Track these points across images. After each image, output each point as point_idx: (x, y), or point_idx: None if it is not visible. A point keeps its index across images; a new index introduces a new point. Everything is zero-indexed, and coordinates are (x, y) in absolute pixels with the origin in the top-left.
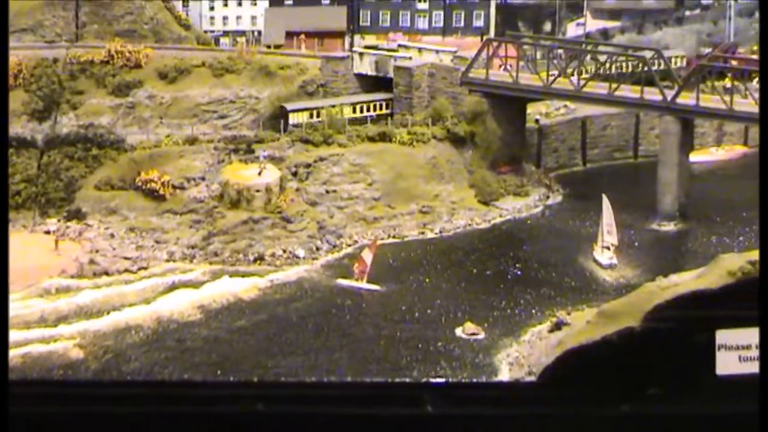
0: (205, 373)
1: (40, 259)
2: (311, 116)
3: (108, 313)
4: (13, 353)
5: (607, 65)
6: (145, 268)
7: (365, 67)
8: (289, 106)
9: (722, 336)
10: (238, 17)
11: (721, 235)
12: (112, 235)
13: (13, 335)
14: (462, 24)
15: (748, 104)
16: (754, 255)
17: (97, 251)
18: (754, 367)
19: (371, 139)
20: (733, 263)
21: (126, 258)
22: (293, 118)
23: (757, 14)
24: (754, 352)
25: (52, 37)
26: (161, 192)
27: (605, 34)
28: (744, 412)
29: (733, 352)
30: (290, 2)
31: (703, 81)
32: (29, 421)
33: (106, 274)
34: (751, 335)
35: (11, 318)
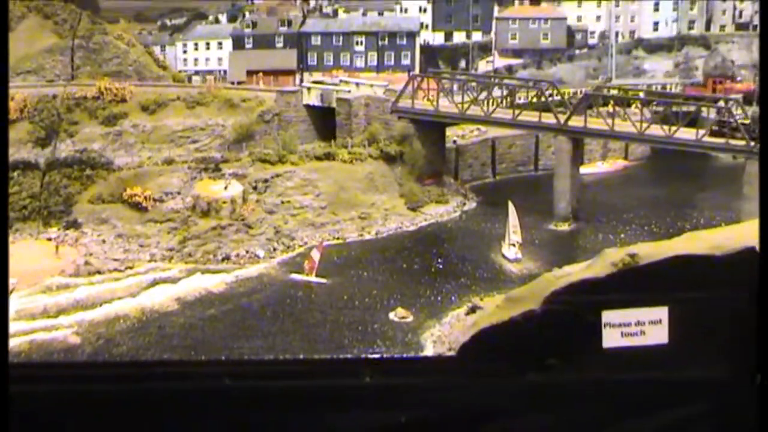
0: (181, 354)
1: (43, 261)
2: None
3: (101, 305)
4: (21, 340)
5: (511, 95)
6: (131, 268)
7: (312, 99)
8: None
9: (607, 315)
10: (207, 59)
11: (606, 233)
12: (104, 241)
13: (21, 325)
14: (392, 62)
15: (627, 126)
16: (633, 248)
17: (91, 254)
18: (633, 341)
19: (318, 158)
20: (615, 256)
21: (115, 259)
22: None
23: (635, 52)
24: (634, 329)
25: (51, 77)
26: (144, 204)
27: (510, 69)
28: (624, 378)
29: (617, 329)
30: (250, 46)
31: (590, 107)
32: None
33: (99, 273)
34: (630, 314)
35: (20, 311)
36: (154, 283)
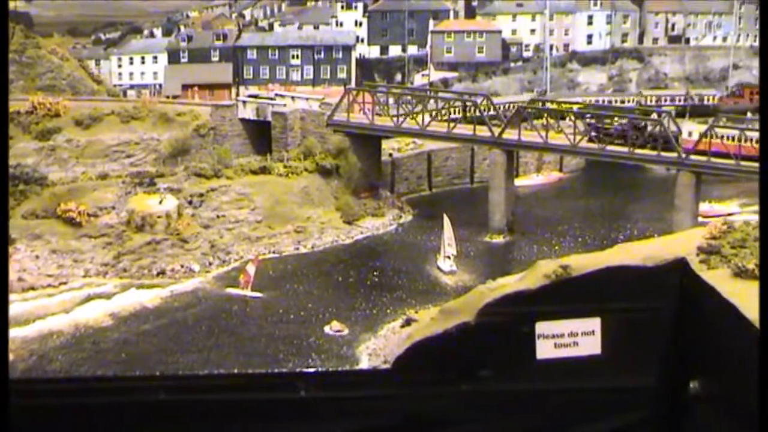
0: (116, 370)
1: None
2: None
3: (34, 321)
4: None
5: (447, 108)
6: (65, 283)
7: (248, 113)
8: None
9: (540, 327)
10: (142, 73)
11: (540, 245)
12: (37, 257)
13: None
14: (328, 76)
15: (560, 138)
16: (566, 260)
17: (24, 270)
18: (566, 352)
19: (254, 172)
20: (548, 268)
21: (49, 275)
22: None
23: (569, 65)
24: (567, 340)
25: None
26: (78, 219)
27: (445, 82)
28: (559, 388)
29: (550, 340)
30: (186, 60)
31: (524, 120)
32: None
33: (33, 289)
34: (563, 326)
35: None
36: (89, 298)
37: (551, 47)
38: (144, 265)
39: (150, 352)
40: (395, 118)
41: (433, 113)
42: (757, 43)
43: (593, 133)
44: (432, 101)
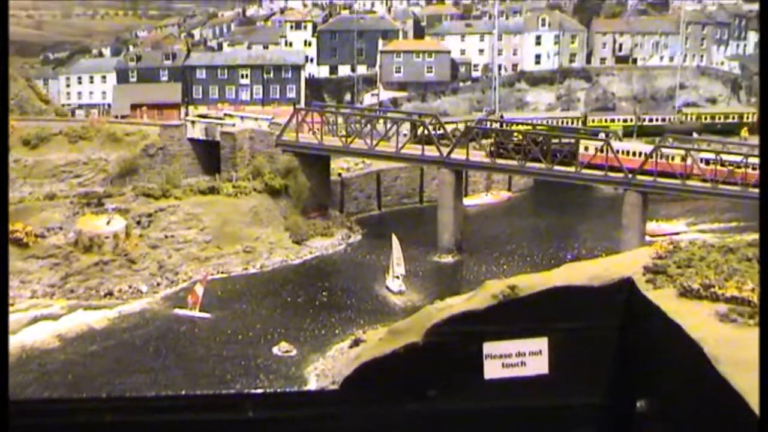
0: (62, 392)
1: None
2: None
3: None
4: None
5: (395, 128)
6: (12, 305)
7: (197, 132)
8: None
9: (488, 347)
10: (91, 92)
11: (489, 264)
12: None
13: None
14: (278, 95)
15: (507, 159)
16: (513, 281)
17: None
18: (514, 372)
19: (202, 192)
20: (496, 287)
21: None
22: None
23: (517, 84)
24: (515, 360)
25: None
26: (25, 240)
27: (395, 102)
28: (507, 406)
29: (498, 360)
30: (134, 80)
31: (472, 140)
32: None
33: None
34: (511, 346)
35: None
36: (35, 320)
37: (500, 67)
38: (92, 286)
39: (97, 373)
40: (344, 138)
41: (385, 133)
42: (703, 63)
43: (492, 149)
44: (381, 120)
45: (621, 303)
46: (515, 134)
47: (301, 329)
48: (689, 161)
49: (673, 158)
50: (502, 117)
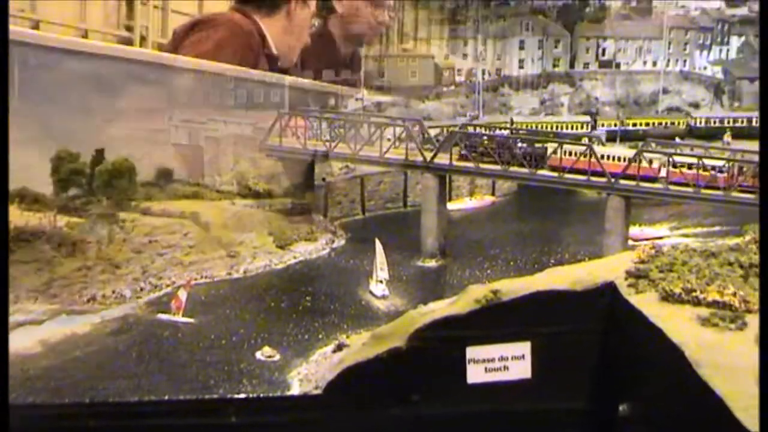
0: (45, 397)
1: None
2: None
3: None
4: None
5: (379, 132)
6: None
7: (181, 137)
8: None
9: (471, 351)
10: None
11: (472, 269)
12: None
13: None
14: (262, 100)
15: (492, 164)
16: (495, 285)
17: None
18: (497, 376)
19: (186, 197)
20: (479, 292)
21: None
22: None
23: (501, 89)
24: (498, 364)
25: None
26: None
27: (379, 107)
28: (490, 411)
29: (481, 365)
30: None
31: (456, 145)
32: None
33: None
34: (494, 350)
35: None
36: (17, 325)
37: (483, 71)
38: (75, 291)
39: (80, 378)
40: (328, 143)
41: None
42: (686, 67)
43: (463, 152)
44: (365, 125)
45: (603, 307)
46: (484, 138)
47: (285, 334)
48: (667, 168)
49: (651, 162)
50: (511, 121)
